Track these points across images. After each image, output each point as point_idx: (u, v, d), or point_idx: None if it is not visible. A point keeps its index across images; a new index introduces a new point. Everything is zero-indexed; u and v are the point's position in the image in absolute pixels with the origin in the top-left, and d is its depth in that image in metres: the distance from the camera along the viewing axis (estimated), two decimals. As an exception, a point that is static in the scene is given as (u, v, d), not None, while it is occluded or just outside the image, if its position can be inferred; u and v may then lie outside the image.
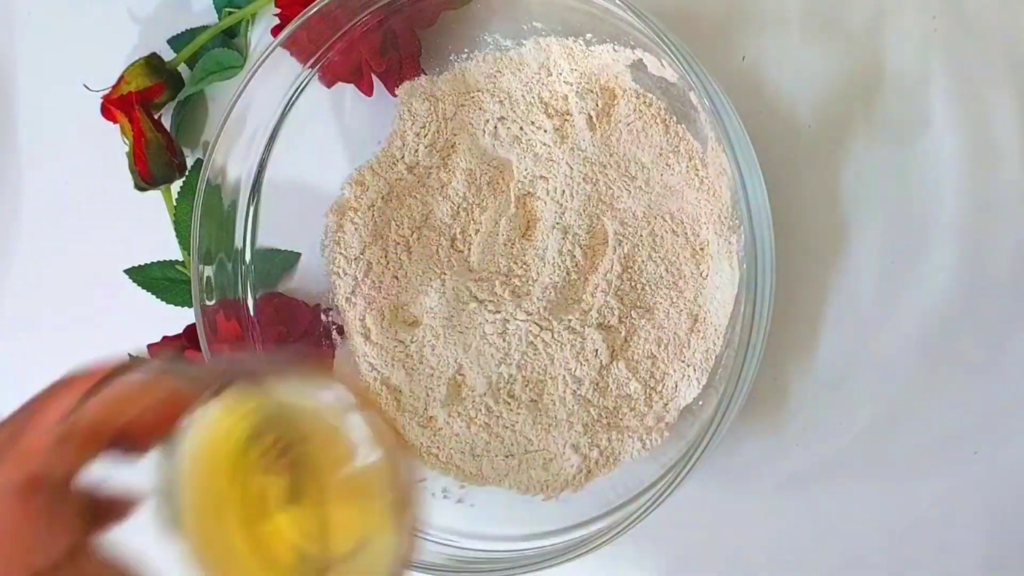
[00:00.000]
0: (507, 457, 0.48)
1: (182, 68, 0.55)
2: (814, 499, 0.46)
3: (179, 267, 0.55)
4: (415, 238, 0.50)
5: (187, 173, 0.54)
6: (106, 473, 0.31)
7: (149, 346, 0.53)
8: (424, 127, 0.50)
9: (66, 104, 0.57)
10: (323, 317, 0.52)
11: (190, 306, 0.50)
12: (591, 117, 0.47)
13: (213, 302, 0.49)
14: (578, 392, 0.47)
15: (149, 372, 0.31)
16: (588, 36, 0.47)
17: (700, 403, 0.46)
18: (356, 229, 0.50)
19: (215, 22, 0.54)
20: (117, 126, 0.54)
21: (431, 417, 0.50)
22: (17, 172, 0.59)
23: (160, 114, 0.55)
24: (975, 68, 0.44)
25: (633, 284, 0.47)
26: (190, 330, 0.52)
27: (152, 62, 0.54)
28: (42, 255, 0.59)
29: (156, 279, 0.55)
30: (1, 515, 0.30)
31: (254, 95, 0.48)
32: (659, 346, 0.46)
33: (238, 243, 0.50)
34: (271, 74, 0.48)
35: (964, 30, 0.44)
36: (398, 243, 0.50)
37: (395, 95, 0.50)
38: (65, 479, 0.30)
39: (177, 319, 0.53)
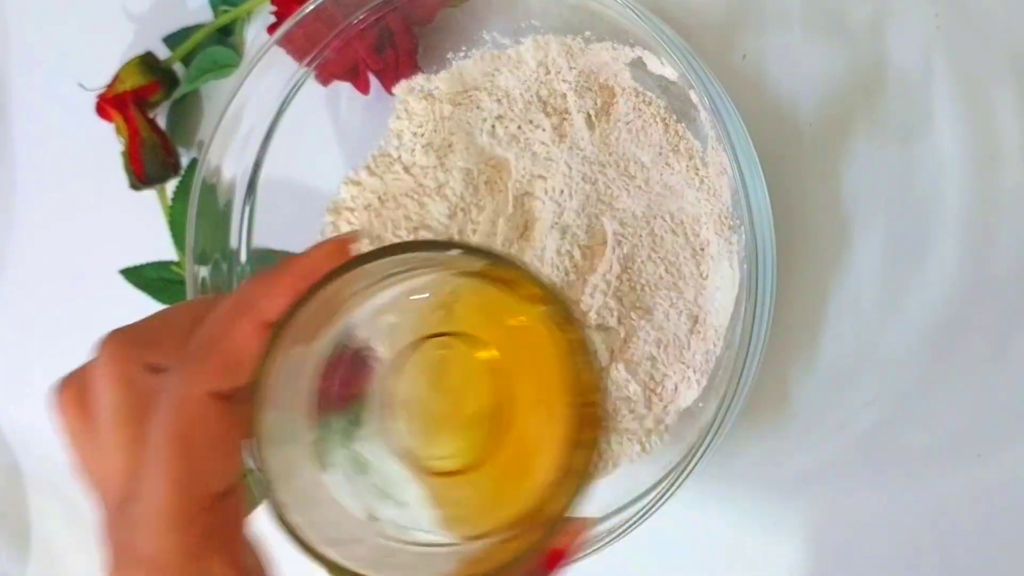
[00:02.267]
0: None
1: (177, 66, 0.55)
2: (815, 501, 0.45)
3: (174, 267, 0.54)
4: (412, 239, 0.50)
5: (182, 172, 0.54)
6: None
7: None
8: (421, 126, 0.50)
9: (60, 103, 0.56)
10: (319, 318, 0.51)
11: (185, 307, 0.49)
12: (590, 116, 0.47)
13: (208, 303, 0.49)
14: (576, 394, 0.47)
15: (373, 276, 0.27)
16: (587, 34, 0.46)
17: (700, 405, 0.45)
18: (352, 229, 0.50)
19: (210, 20, 0.54)
20: (112, 125, 0.53)
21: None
22: (11, 171, 0.59)
23: (155, 113, 0.54)
24: (978, 66, 0.43)
25: (632, 285, 0.47)
26: (185, 331, 0.52)
27: (147, 60, 0.54)
28: (36, 255, 0.58)
29: (151, 279, 0.55)
30: (201, 421, 0.27)
31: (250, 94, 0.47)
32: (659, 347, 0.46)
33: (233, 243, 0.50)
34: (267, 72, 0.47)
35: (967, 28, 0.44)
36: (395, 244, 0.50)
37: (392, 93, 0.50)
38: None
39: (172, 320, 0.53)
